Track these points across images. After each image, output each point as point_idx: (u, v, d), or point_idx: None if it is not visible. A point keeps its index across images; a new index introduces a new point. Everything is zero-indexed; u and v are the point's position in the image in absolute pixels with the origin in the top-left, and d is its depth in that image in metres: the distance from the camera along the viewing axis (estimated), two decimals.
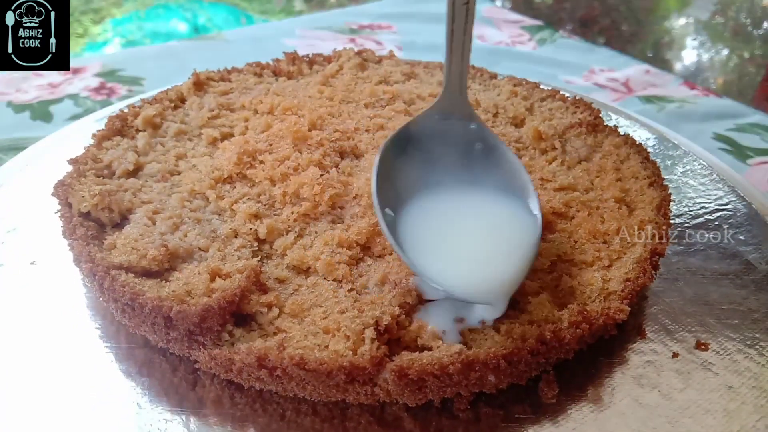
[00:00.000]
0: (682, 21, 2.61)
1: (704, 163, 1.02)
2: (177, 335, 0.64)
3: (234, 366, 0.61)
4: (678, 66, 2.09)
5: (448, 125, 0.78)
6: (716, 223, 0.89)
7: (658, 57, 2.14)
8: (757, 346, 0.71)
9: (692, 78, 1.86)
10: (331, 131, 0.90)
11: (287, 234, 0.76)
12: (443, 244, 0.68)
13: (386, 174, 0.71)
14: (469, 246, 0.68)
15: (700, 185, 0.97)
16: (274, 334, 0.64)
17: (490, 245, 0.69)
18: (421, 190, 0.73)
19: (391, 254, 0.73)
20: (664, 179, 0.84)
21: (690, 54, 2.23)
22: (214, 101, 1.00)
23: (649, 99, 1.55)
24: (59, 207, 0.76)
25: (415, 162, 0.76)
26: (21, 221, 0.85)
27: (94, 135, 0.89)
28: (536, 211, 0.71)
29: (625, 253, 0.75)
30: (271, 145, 0.87)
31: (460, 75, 0.76)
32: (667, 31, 2.45)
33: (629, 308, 0.67)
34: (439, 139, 0.77)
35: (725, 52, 2.28)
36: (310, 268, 0.72)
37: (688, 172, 1.00)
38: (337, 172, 0.83)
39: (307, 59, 1.16)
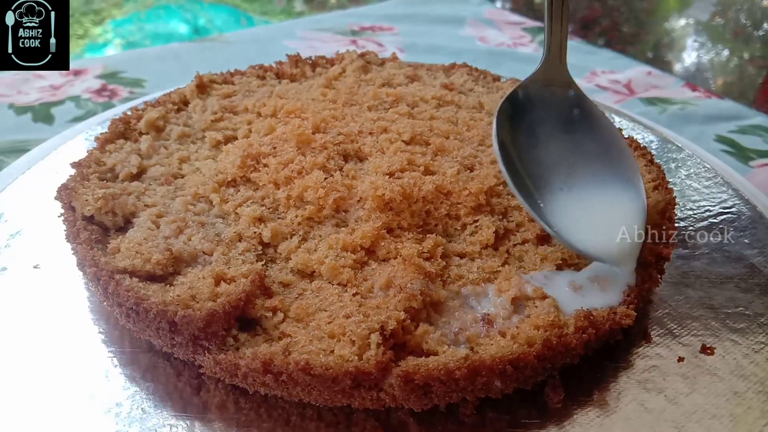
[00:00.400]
0: (682, 22, 2.61)
1: (708, 166, 1.02)
2: (181, 340, 0.63)
3: (239, 371, 0.61)
4: (678, 67, 2.09)
5: (550, 92, 0.81)
6: (720, 226, 0.89)
7: (659, 58, 2.14)
8: (763, 351, 0.70)
9: (692, 79, 1.86)
10: (335, 134, 0.90)
11: (291, 238, 0.76)
12: (582, 215, 0.72)
13: (502, 140, 0.75)
14: (601, 214, 0.72)
15: (704, 188, 0.97)
16: (279, 338, 0.64)
17: (616, 211, 0.72)
18: (540, 161, 0.76)
19: (395, 258, 0.72)
20: (668, 182, 0.84)
21: (690, 55, 2.23)
22: (217, 104, 1.00)
23: (651, 101, 1.55)
24: (63, 210, 0.76)
25: (525, 128, 0.79)
26: (24, 224, 0.85)
27: (97, 138, 0.89)
28: (638, 176, 0.75)
29: None
30: (274, 148, 0.86)
31: (560, 43, 0.80)
32: (667, 32, 2.45)
33: (635, 313, 0.67)
34: (542, 105, 0.81)
35: (725, 53, 2.27)
36: (314, 272, 0.72)
37: (692, 175, 1.00)
38: (341, 175, 0.82)
39: (310, 62, 1.16)
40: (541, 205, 0.72)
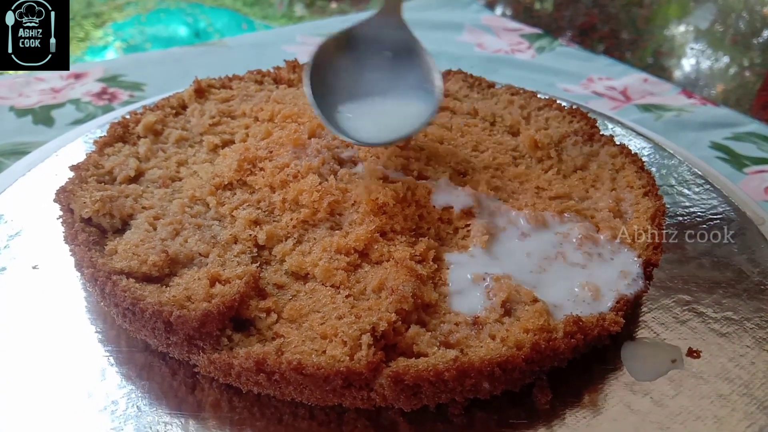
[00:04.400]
0: (681, 29, 2.62)
1: (699, 172, 1.03)
2: (177, 340, 0.65)
3: (233, 370, 0.62)
4: (677, 74, 2.10)
5: (383, 33, 0.92)
6: (710, 231, 0.90)
7: (658, 65, 2.15)
8: (748, 355, 0.71)
9: (691, 86, 1.87)
10: (330, 139, 0.91)
11: (286, 240, 0.77)
12: (378, 119, 0.86)
13: (323, 67, 0.86)
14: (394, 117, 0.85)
15: (694, 194, 0.98)
16: (273, 339, 0.65)
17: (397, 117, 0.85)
18: (357, 83, 0.89)
19: (388, 261, 0.74)
20: (658, 189, 0.85)
21: (689, 62, 2.24)
22: (215, 108, 1.01)
23: (647, 108, 1.56)
24: (61, 212, 0.77)
25: (352, 57, 0.91)
26: (24, 226, 0.86)
27: (95, 141, 0.90)
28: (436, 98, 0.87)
29: None
30: (271, 152, 0.88)
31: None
32: (666, 39, 2.46)
33: (623, 320, 0.68)
34: (372, 42, 0.92)
35: (725, 60, 2.29)
36: (308, 274, 0.73)
37: (683, 182, 1.01)
38: (336, 179, 0.84)
39: None
40: (347, 114, 0.85)
